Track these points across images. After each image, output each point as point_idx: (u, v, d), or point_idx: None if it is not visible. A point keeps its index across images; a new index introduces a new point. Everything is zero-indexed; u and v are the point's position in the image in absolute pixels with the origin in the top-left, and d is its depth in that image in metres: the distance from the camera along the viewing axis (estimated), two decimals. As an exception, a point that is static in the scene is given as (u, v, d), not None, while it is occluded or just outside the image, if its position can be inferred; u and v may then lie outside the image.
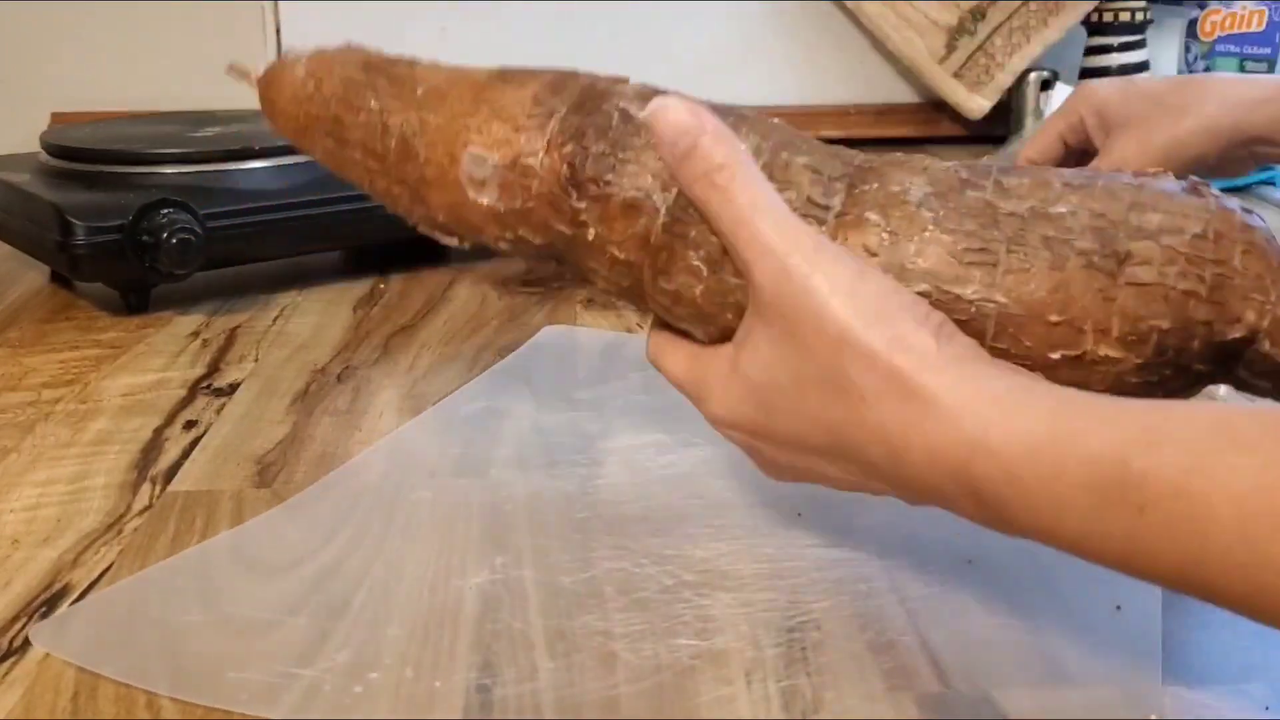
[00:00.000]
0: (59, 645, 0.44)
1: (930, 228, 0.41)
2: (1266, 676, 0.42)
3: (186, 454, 0.61)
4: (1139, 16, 1.41)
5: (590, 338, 0.77)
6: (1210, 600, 0.33)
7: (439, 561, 0.49)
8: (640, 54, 1.50)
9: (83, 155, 0.86)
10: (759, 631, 0.44)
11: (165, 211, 0.78)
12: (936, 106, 1.51)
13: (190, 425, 0.64)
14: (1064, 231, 0.39)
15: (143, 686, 0.41)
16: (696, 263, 0.42)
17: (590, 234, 0.44)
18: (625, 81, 0.47)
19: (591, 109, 0.45)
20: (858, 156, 0.45)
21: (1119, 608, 0.45)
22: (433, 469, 0.58)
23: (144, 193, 0.80)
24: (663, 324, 0.46)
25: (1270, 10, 1.33)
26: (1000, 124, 1.45)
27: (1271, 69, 1.34)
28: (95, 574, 0.49)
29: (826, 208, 0.42)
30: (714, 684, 0.41)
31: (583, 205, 0.44)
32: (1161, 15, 1.45)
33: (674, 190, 0.43)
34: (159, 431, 0.64)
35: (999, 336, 0.39)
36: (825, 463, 0.41)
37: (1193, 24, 1.40)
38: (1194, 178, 0.41)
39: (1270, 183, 1.19)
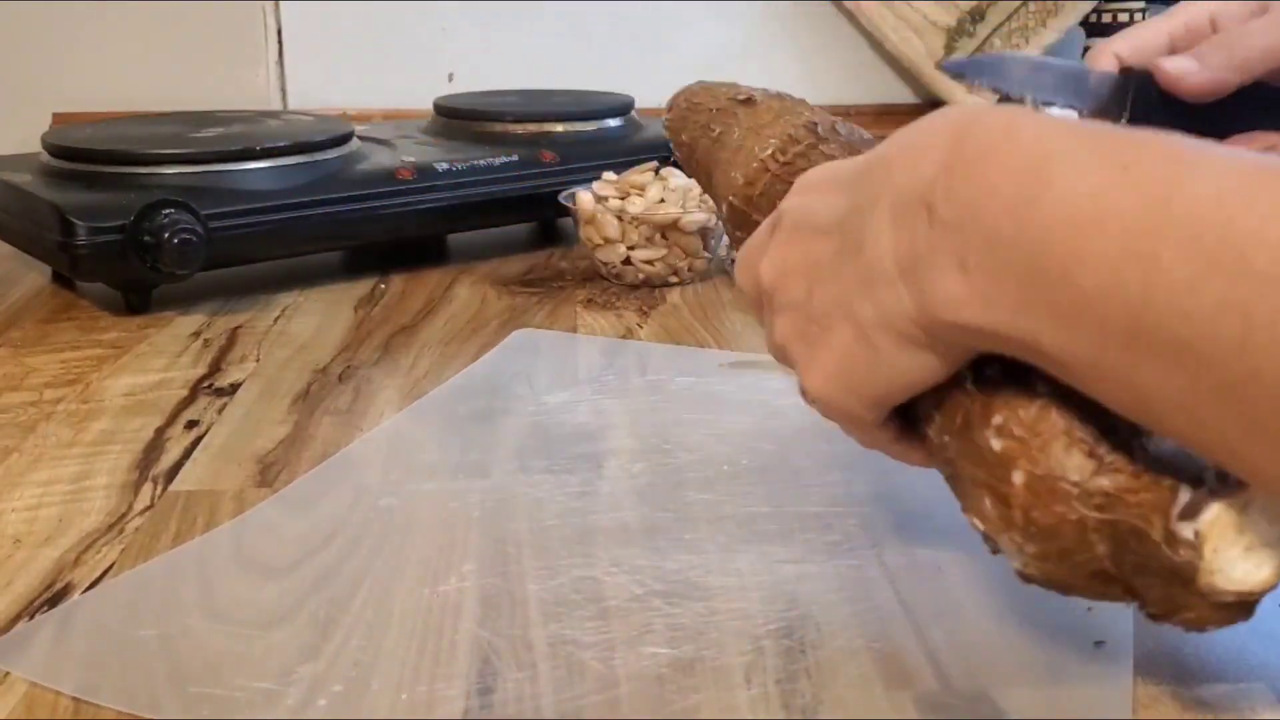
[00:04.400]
0: (42, 671, 0.42)
1: None
2: (1266, 676, 0.42)
3: (188, 454, 0.61)
4: (1137, 18, 1.41)
5: (552, 342, 0.77)
6: None
7: (415, 577, 0.49)
8: (641, 54, 1.50)
9: (84, 155, 0.86)
10: (758, 634, 0.44)
11: (166, 212, 0.79)
12: (935, 107, 1.51)
13: (192, 425, 0.65)
14: None
15: (135, 712, 0.41)
16: None
17: None
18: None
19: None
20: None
21: (1090, 608, 0.45)
22: (431, 467, 0.58)
23: (145, 193, 0.80)
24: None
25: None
26: (1000, 124, 1.45)
27: (1271, 70, 1.34)
28: (97, 574, 0.49)
29: None
30: (714, 688, 0.41)
31: None
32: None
33: None
34: (160, 431, 0.64)
35: None
36: (837, 187, 0.41)
37: (1192, 25, 1.40)
38: None
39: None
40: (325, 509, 0.54)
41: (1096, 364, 0.32)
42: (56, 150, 0.88)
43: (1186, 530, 0.33)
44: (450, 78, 1.48)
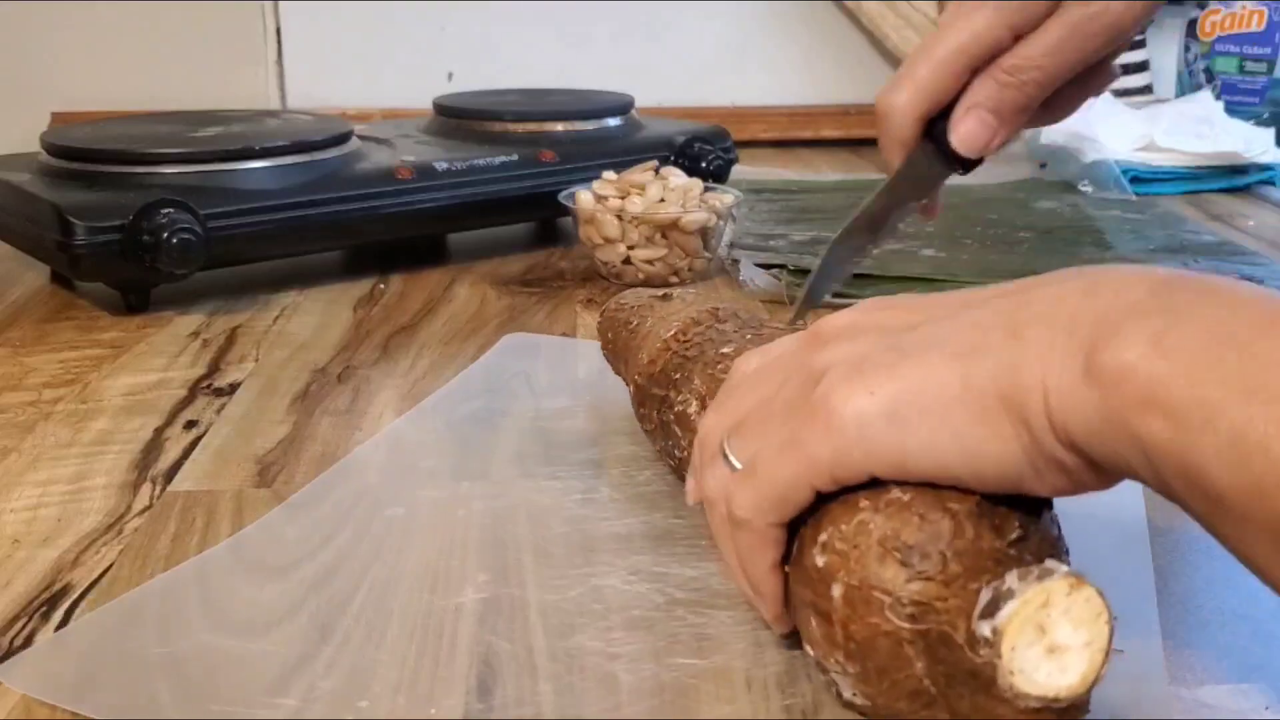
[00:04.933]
0: (39, 686, 0.42)
1: None
2: (1266, 676, 0.42)
3: (187, 454, 0.61)
4: (1138, 16, 1.41)
5: (550, 346, 0.77)
6: None
7: (417, 582, 0.49)
8: (641, 54, 1.50)
9: (83, 155, 0.86)
10: (762, 640, 0.44)
11: (165, 211, 0.78)
12: (936, 106, 1.51)
13: (190, 425, 0.64)
14: None
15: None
16: None
17: None
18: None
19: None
20: None
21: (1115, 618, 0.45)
22: (431, 472, 0.58)
23: (144, 192, 0.80)
24: None
25: (1270, 10, 1.34)
26: (1000, 124, 1.45)
27: (1271, 69, 1.34)
28: (95, 574, 0.49)
29: None
30: (715, 701, 0.41)
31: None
32: (1161, 15, 1.45)
33: None
34: (159, 431, 0.64)
35: None
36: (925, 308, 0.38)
37: (1192, 24, 1.41)
38: None
39: (1270, 182, 1.19)
40: (328, 519, 0.54)
41: (1261, 492, 0.29)
42: (55, 149, 0.88)
43: (985, 628, 0.33)
44: (450, 77, 1.48)
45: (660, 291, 0.63)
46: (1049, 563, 0.33)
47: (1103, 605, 0.33)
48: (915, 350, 0.35)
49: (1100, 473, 0.34)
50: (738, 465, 0.40)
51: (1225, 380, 0.30)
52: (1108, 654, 0.33)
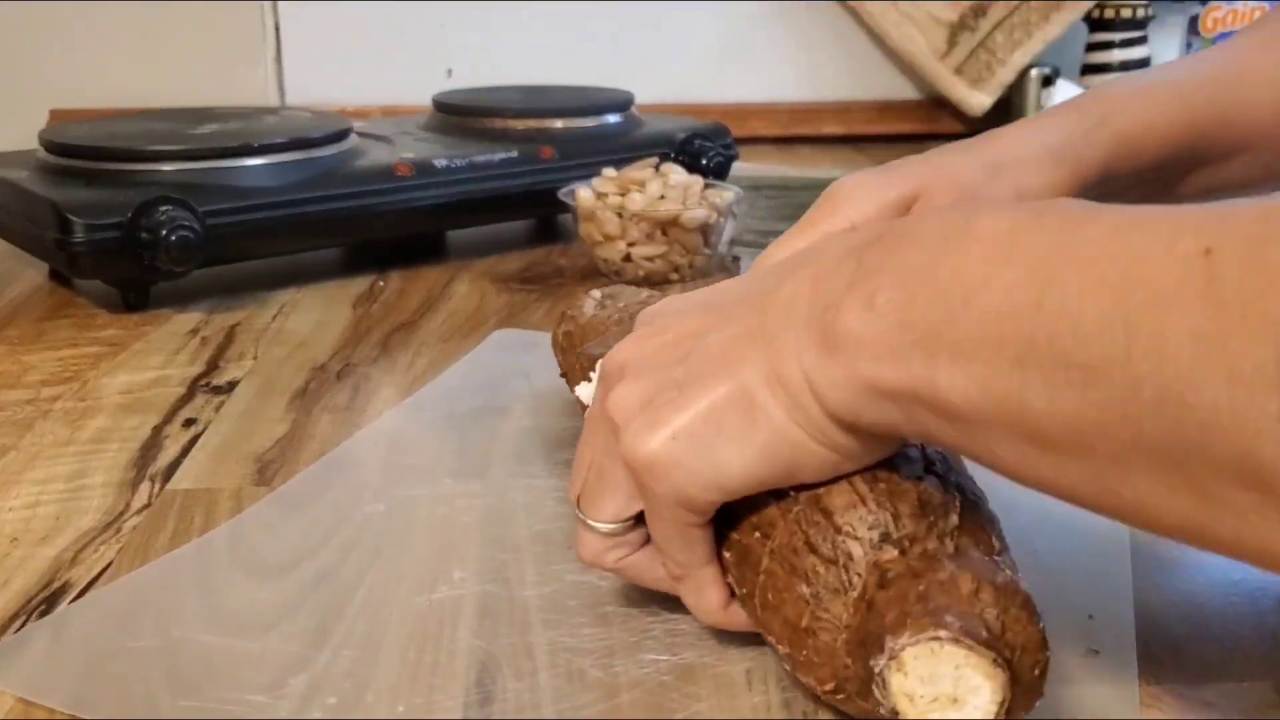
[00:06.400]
0: (32, 686, 0.41)
1: None
2: (1269, 676, 0.42)
3: (185, 452, 0.61)
4: (1140, 13, 1.41)
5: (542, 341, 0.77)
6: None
7: (416, 581, 0.49)
8: (641, 53, 1.50)
9: (81, 152, 0.86)
10: (759, 639, 0.44)
11: (164, 209, 0.78)
12: (937, 103, 1.51)
13: (189, 423, 0.64)
14: None
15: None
16: None
17: None
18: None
19: None
20: None
21: (1091, 616, 0.45)
22: (430, 471, 0.58)
23: (143, 190, 0.80)
24: None
25: (1270, 7, 1.33)
26: (1001, 121, 1.45)
27: (1272, 65, 1.34)
28: (94, 572, 0.49)
29: None
30: (716, 699, 0.41)
31: None
32: (1163, 11, 1.45)
33: None
34: (158, 429, 0.64)
35: None
36: (735, 282, 0.44)
37: (1194, 20, 1.40)
38: None
39: (1271, 179, 1.19)
40: (321, 515, 0.53)
41: (988, 393, 0.32)
42: (54, 147, 0.88)
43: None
44: (449, 73, 1.48)
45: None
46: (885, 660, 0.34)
47: (954, 646, 0.34)
48: (691, 380, 0.39)
49: (870, 439, 0.37)
50: (599, 528, 0.43)
51: (928, 314, 0.33)
52: (1006, 662, 0.34)
